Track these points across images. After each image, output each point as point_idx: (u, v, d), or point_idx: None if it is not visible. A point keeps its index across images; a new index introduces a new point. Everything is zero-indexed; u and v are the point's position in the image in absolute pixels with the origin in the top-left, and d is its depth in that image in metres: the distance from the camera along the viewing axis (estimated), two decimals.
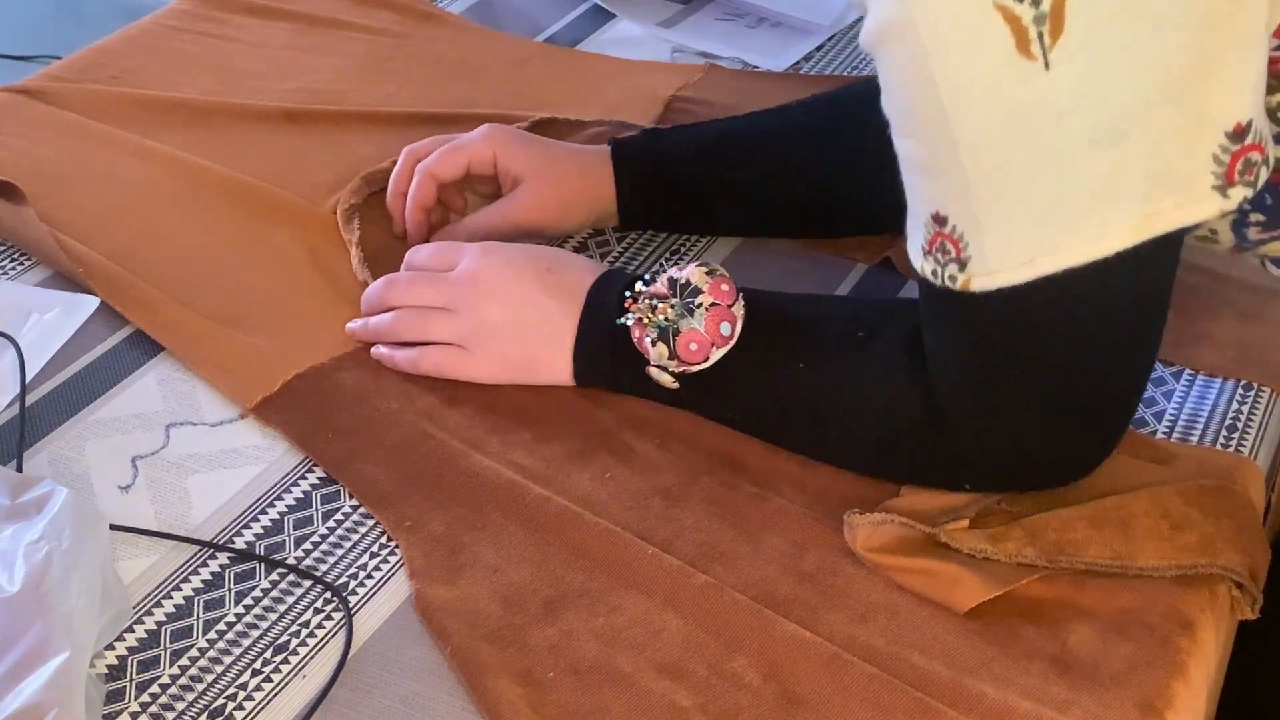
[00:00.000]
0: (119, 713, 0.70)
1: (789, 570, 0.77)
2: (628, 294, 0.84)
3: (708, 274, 0.82)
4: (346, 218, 1.00)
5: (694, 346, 0.81)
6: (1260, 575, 0.77)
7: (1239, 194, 0.66)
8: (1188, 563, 0.75)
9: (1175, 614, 0.74)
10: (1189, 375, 0.90)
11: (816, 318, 0.84)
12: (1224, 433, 0.87)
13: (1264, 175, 0.67)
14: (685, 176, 0.98)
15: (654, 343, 0.82)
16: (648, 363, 0.83)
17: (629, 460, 0.83)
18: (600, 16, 1.31)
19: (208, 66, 1.19)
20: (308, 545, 0.79)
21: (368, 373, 0.89)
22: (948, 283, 0.70)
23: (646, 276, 0.84)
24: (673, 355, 0.81)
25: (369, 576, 0.78)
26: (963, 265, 0.69)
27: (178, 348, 0.91)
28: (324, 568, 0.78)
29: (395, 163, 1.00)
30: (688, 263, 0.84)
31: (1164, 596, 0.75)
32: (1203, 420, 0.87)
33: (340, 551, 0.79)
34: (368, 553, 0.79)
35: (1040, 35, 0.62)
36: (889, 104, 0.70)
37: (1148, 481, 0.80)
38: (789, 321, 0.83)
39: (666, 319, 0.81)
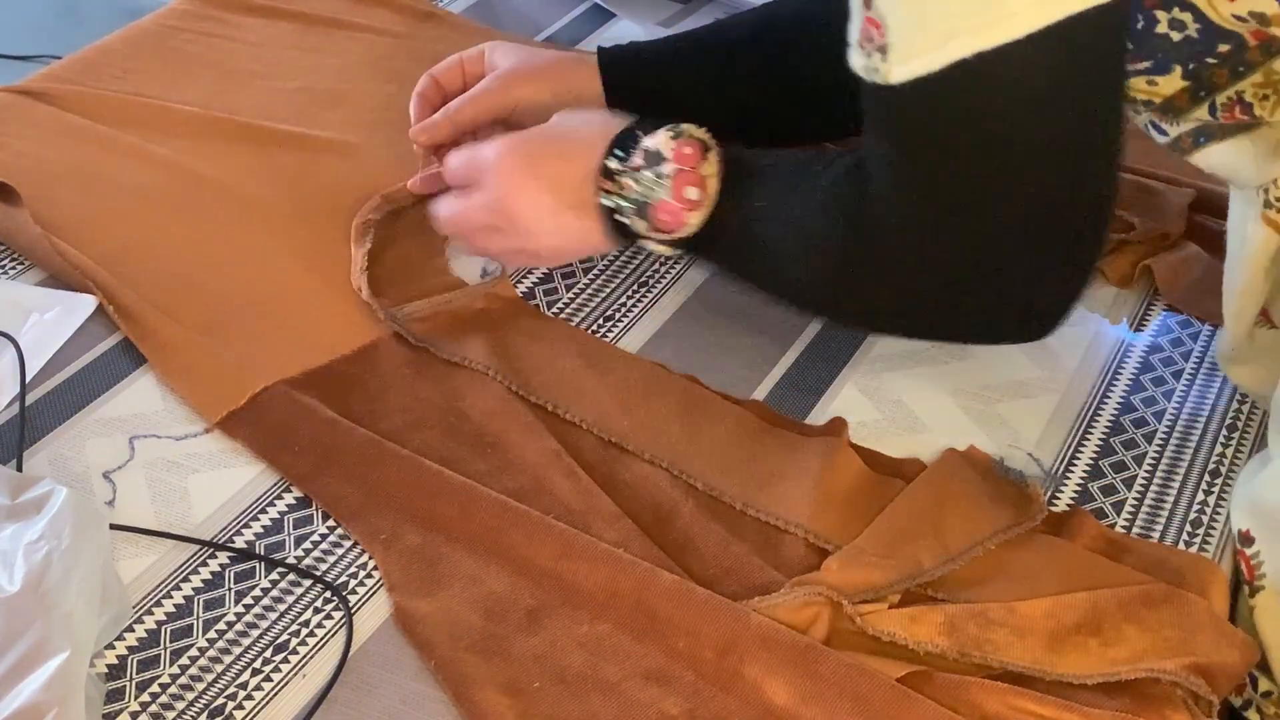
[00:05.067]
0: (119, 712, 0.70)
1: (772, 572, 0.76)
2: (612, 163, 0.83)
3: (672, 137, 0.81)
4: (360, 232, 0.99)
5: (666, 217, 0.81)
6: (1217, 673, 0.72)
7: None
8: (1110, 670, 0.71)
9: None
10: (1189, 375, 0.90)
11: (789, 159, 0.82)
12: (1224, 432, 0.87)
13: None
14: (659, 66, 1.00)
15: (633, 219, 0.82)
16: (640, 237, 0.83)
17: (612, 477, 0.82)
18: (600, 16, 1.31)
19: (208, 66, 1.19)
20: (308, 544, 0.79)
21: (336, 389, 0.88)
22: (875, 77, 0.69)
23: (638, 138, 0.83)
24: (652, 227, 0.82)
25: (369, 576, 0.78)
26: (884, 53, 0.68)
27: (153, 356, 0.90)
28: (324, 567, 0.78)
29: (411, 180, 1.01)
30: (667, 128, 0.82)
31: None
32: (1203, 419, 0.87)
33: (340, 551, 0.79)
34: (367, 552, 0.79)
35: None
36: None
37: (1091, 581, 0.75)
38: (760, 169, 0.82)
39: (638, 195, 0.81)
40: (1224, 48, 0.74)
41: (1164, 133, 0.80)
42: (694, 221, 0.81)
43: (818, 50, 0.74)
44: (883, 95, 0.69)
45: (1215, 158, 0.80)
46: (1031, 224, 0.71)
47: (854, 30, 0.70)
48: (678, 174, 0.80)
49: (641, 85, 0.98)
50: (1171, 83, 0.76)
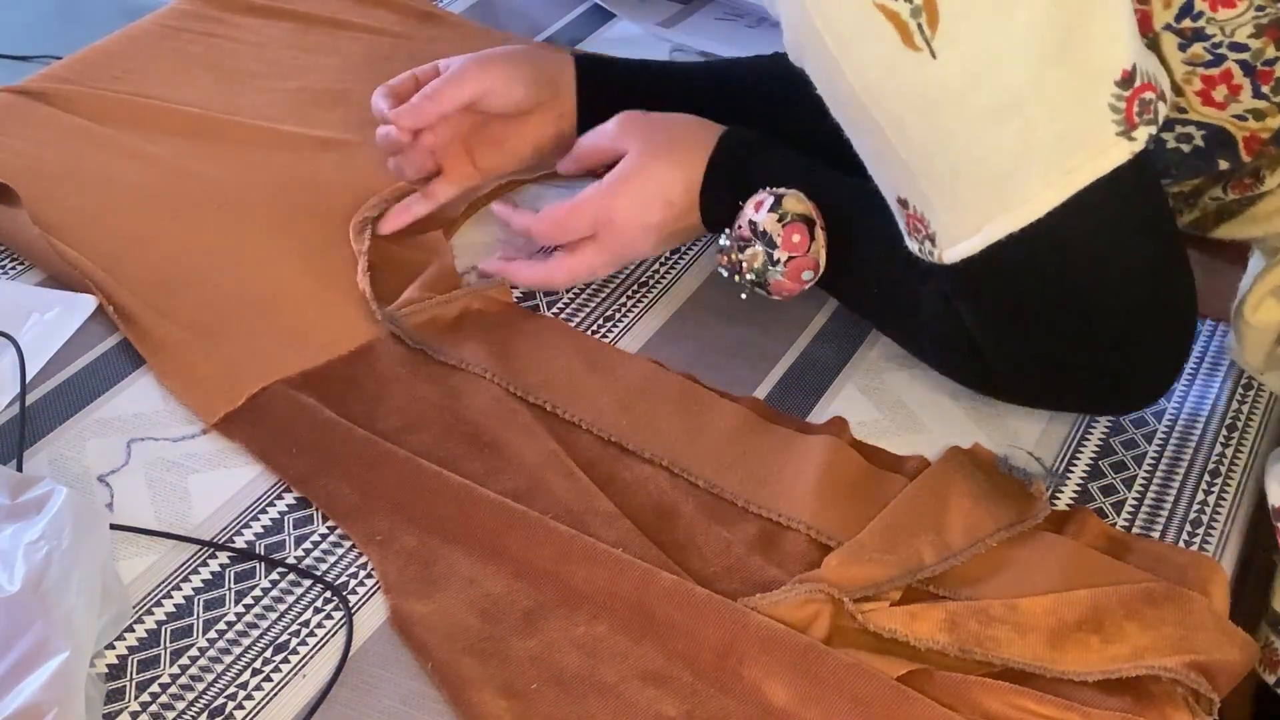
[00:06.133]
0: (119, 712, 0.70)
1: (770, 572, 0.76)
2: (723, 242, 0.89)
3: (779, 221, 0.86)
4: (359, 229, 0.99)
5: (784, 293, 0.88)
6: (1218, 671, 0.72)
7: (1144, 133, 0.70)
8: (1111, 668, 0.71)
9: None
10: (1189, 374, 0.90)
11: (887, 253, 0.84)
12: (1224, 432, 0.87)
13: (1163, 109, 0.71)
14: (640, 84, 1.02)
15: (752, 286, 0.89)
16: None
17: (612, 476, 0.82)
18: (600, 16, 1.31)
19: (208, 66, 1.19)
20: (308, 545, 0.79)
21: (333, 390, 0.87)
22: (930, 259, 0.75)
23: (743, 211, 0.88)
24: (771, 293, 0.89)
25: (369, 575, 0.78)
26: (933, 240, 0.74)
27: (151, 357, 0.90)
28: (324, 567, 0.78)
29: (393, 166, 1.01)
30: (767, 197, 0.86)
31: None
32: (1203, 419, 0.87)
33: (340, 551, 0.79)
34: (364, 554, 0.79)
35: (920, 27, 0.67)
36: (830, 108, 0.75)
37: (1093, 578, 0.75)
38: (862, 259, 0.87)
39: (754, 273, 0.87)
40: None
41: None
42: (808, 286, 0.88)
43: (786, 105, 0.78)
44: (945, 268, 0.75)
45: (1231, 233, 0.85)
46: (1118, 333, 0.77)
47: (899, 221, 0.76)
48: (791, 261, 0.86)
49: (614, 89, 0.99)
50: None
